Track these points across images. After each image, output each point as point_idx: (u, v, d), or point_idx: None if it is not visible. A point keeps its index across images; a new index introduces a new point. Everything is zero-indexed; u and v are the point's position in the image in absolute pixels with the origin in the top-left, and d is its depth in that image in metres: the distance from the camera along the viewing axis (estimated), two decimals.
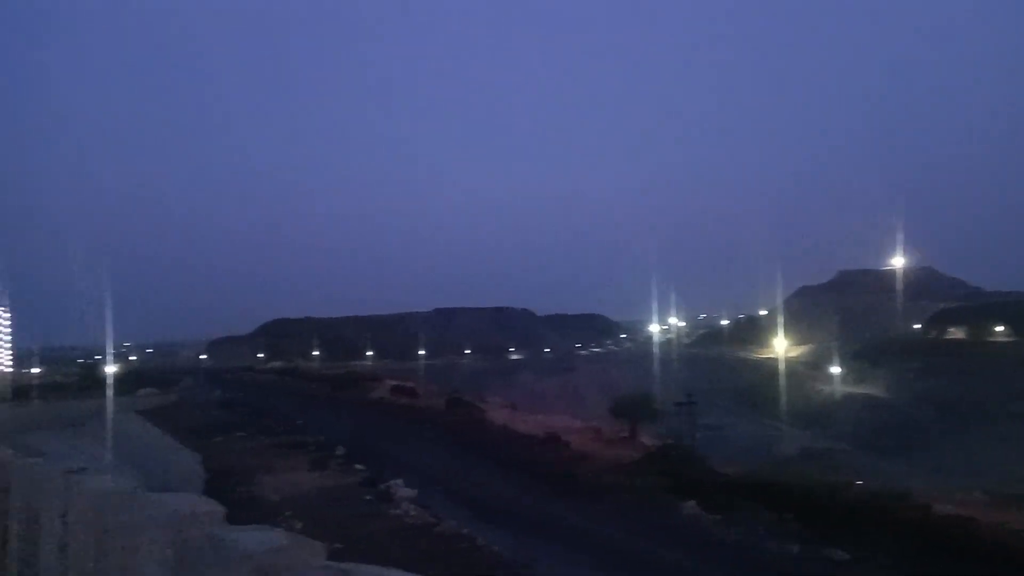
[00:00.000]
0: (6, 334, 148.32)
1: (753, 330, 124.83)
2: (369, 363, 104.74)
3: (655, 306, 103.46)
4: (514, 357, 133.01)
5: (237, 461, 22.05)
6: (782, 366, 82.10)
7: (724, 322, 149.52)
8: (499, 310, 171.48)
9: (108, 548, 2.81)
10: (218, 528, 2.45)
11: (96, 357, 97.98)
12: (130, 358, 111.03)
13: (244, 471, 20.03)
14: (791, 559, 13.30)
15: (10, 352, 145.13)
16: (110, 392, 38.80)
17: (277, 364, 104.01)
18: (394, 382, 48.01)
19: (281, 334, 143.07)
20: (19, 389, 53.42)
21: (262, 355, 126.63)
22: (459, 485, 19.56)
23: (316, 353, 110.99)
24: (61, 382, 64.61)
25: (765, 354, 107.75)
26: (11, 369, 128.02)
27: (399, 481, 17.97)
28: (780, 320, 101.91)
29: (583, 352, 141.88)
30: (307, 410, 37.68)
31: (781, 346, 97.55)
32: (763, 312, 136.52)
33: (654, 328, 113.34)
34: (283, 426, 31.06)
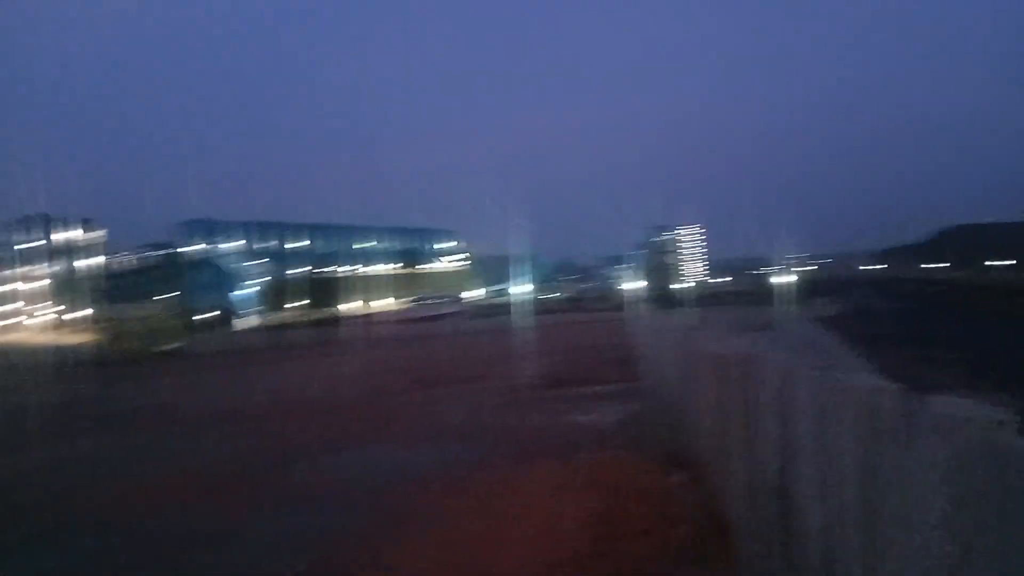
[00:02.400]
0: (702, 248, 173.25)
1: None
2: None
3: None
4: None
5: (912, 373, 20.96)
6: None
7: None
8: None
9: (880, 450, 2.87)
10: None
11: (769, 267, 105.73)
12: (804, 268, 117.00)
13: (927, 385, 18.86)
14: None
15: (705, 264, 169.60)
16: (785, 302, 41.41)
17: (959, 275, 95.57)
18: None
19: (963, 241, 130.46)
20: (710, 295, 61.66)
21: (941, 264, 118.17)
22: None
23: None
24: (747, 290, 72.41)
25: None
26: (707, 279, 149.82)
27: None
28: None
29: None
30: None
31: None
32: None
33: None
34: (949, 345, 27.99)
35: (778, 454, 4.33)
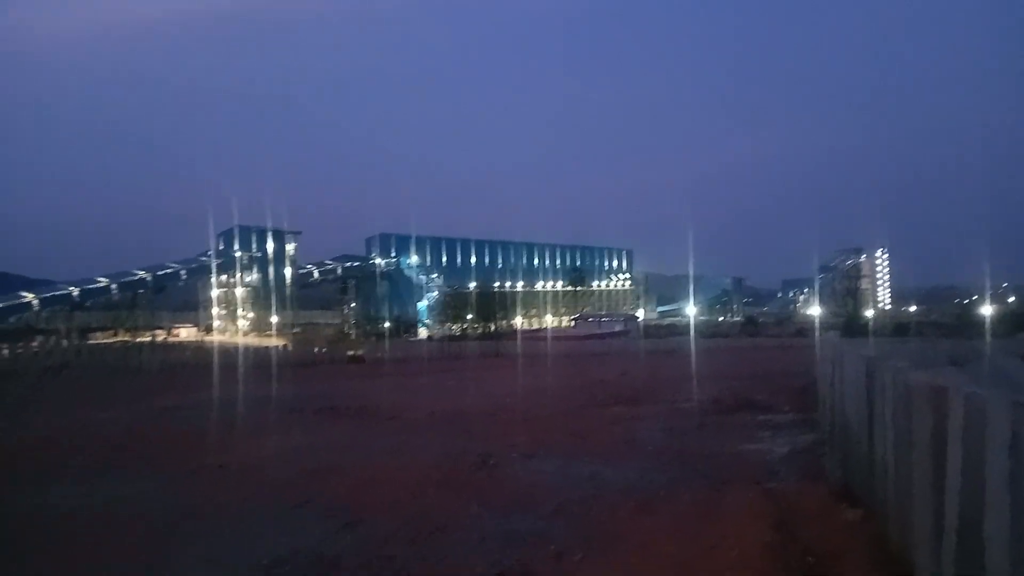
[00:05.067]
0: (885, 274, 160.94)
1: None
2: None
3: None
4: None
5: None
6: None
7: None
8: None
9: None
10: None
11: (973, 297, 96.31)
12: (1009, 299, 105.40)
13: None
14: None
15: (888, 291, 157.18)
16: (985, 334, 37.73)
17: None
18: None
19: None
20: (898, 326, 57.11)
21: None
22: None
23: None
24: (938, 321, 66.36)
25: None
26: (890, 307, 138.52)
27: None
28: None
29: None
30: None
31: None
32: None
33: None
34: None
35: (970, 494, 4.10)
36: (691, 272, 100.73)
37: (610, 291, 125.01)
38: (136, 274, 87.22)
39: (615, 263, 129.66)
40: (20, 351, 59.11)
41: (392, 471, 11.44)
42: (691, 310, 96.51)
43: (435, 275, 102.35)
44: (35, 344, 64.88)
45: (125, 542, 8.09)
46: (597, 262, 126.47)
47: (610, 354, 51.13)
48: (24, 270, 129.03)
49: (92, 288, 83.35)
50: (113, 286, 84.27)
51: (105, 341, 70.26)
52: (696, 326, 77.43)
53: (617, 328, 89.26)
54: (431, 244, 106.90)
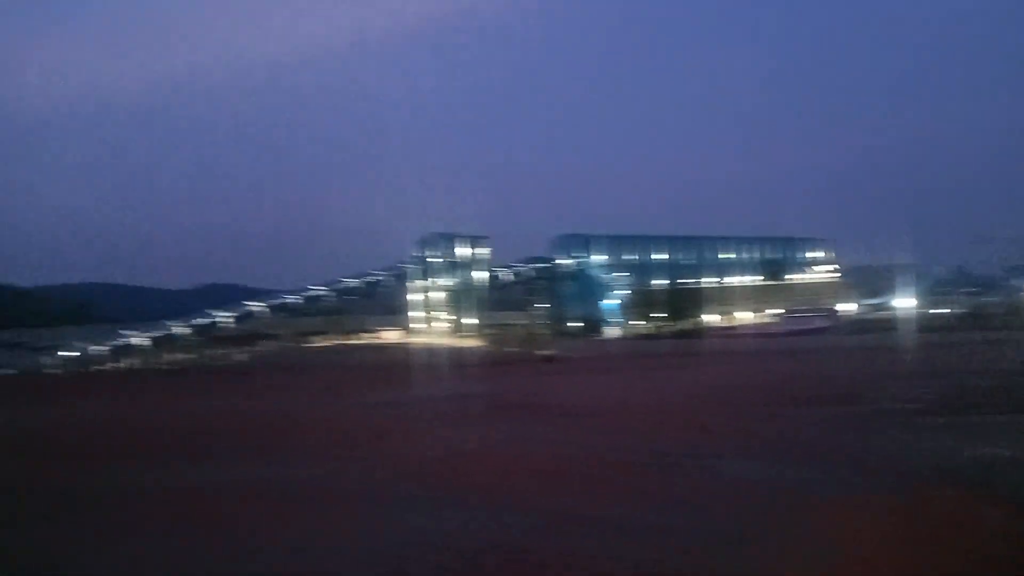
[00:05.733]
0: None
1: None
2: None
3: None
4: None
5: None
6: None
7: None
8: None
9: None
10: None
11: None
12: None
13: None
14: None
15: None
16: None
17: None
18: None
19: None
20: None
21: None
22: None
23: None
24: None
25: None
26: None
27: None
28: None
29: None
30: None
31: None
32: None
33: None
34: None
35: None
36: (893, 262, 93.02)
37: (810, 284, 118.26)
38: (346, 282, 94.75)
39: (813, 254, 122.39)
40: (250, 353, 66.29)
41: (592, 467, 11.69)
42: (904, 301, 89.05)
43: (622, 273, 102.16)
44: (261, 347, 72.72)
45: (344, 516, 8.89)
46: (793, 253, 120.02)
47: (811, 351, 48.54)
48: (247, 281, 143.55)
49: (308, 296, 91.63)
50: (327, 293, 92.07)
51: (320, 344, 77.09)
52: (908, 319, 71.51)
53: (819, 324, 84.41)
54: (616, 242, 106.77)
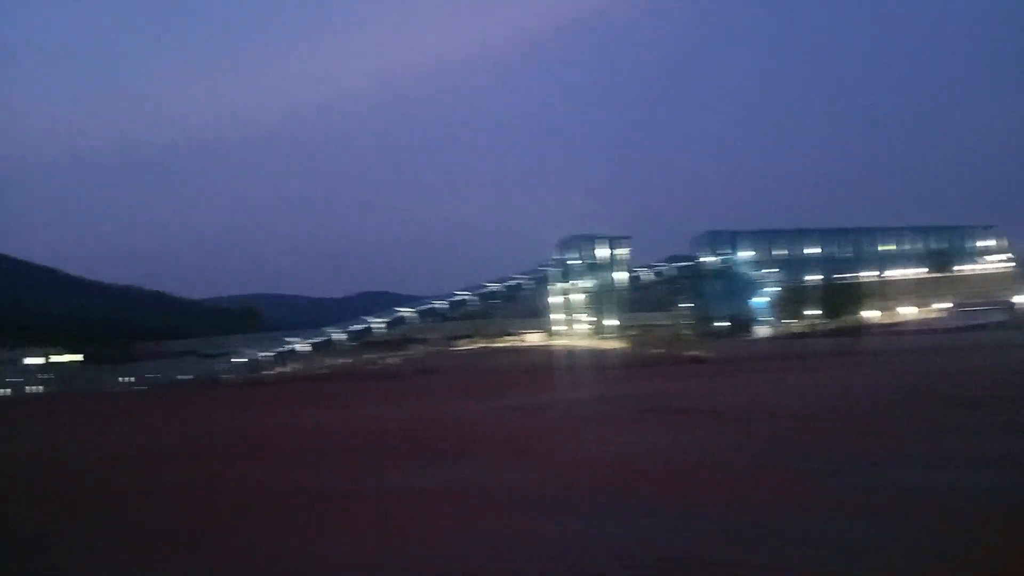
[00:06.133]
0: None
1: None
2: None
3: None
4: None
5: None
6: None
7: None
8: None
9: None
10: None
11: None
12: None
13: None
14: None
15: None
16: None
17: None
18: None
19: None
20: None
21: None
22: None
23: None
24: None
25: None
26: None
27: None
28: None
29: None
30: None
31: None
32: None
33: None
34: None
35: None
36: None
37: (981, 275, 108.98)
38: (489, 286, 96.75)
39: (984, 242, 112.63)
40: (402, 357, 69.04)
41: (776, 477, 11.38)
42: None
43: (771, 269, 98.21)
44: (411, 351, 75.74)
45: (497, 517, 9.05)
46: (961, 243, 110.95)
47: (984, 348, 44.86)
48: (398, 288, 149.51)
49: (454, 301, 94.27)
50: (471, 298, 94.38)
51: (466, 347, 79.26)
52: None
53: (993, 318, 77.75)
54: (764, 237, 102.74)
